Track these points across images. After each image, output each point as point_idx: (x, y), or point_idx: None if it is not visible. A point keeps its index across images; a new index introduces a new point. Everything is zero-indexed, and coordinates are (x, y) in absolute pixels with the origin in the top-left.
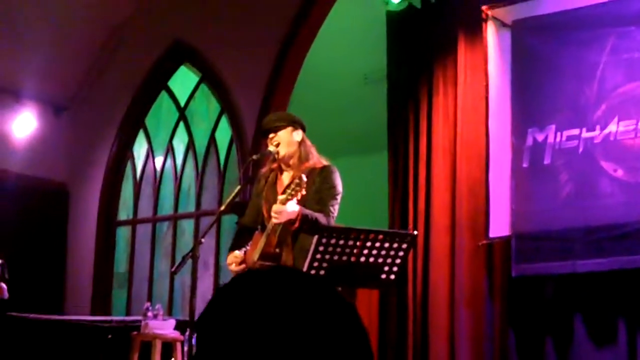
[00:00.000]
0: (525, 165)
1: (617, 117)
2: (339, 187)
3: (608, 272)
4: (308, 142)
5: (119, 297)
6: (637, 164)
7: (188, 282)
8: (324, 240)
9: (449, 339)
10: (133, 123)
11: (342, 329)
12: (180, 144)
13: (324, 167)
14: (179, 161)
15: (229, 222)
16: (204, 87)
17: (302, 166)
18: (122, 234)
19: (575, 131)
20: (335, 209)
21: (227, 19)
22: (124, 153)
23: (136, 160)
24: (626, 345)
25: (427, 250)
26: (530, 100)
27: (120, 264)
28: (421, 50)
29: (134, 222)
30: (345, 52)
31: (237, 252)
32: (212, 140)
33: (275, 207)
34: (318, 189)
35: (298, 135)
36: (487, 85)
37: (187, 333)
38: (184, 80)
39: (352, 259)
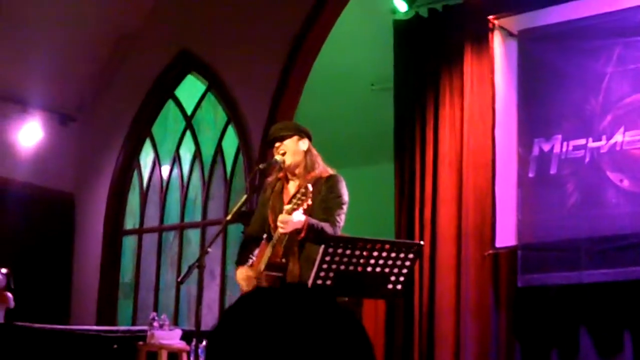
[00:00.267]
0: (531, 175)
1: (623, 127)
2: (345, 196)
3: (614, 283)
4: (314, 152)
5: (125, 306)
6: None
7: (194, 291)
8: (330, 250)
9: (455, 349)
10: (140, 132)
11: (348, 347)
12: (186, 153)
13: (330, 177)
14: (186, 170)
15: (236, 231)
16: (210, 96)
17: (308, 175)
18: (128, 243)
19: (582, 141)
20: (341, 219)
21: (233, 28)
22: (130, 162)
23: (143, 170)
24: (632, 356)
25: (433, 260)
26: (537, 110)
27: (126, 274)
28: (428, 59)
29: (140, 232)
30: (352, 61)
31: (247, 271)
32: (218, 149)
33: (281, 217)
34: (324, 199)
35: (304, 144)
36: (493, 95)
37: (194, 343)
38: (190, 90)
39: (359, 268)
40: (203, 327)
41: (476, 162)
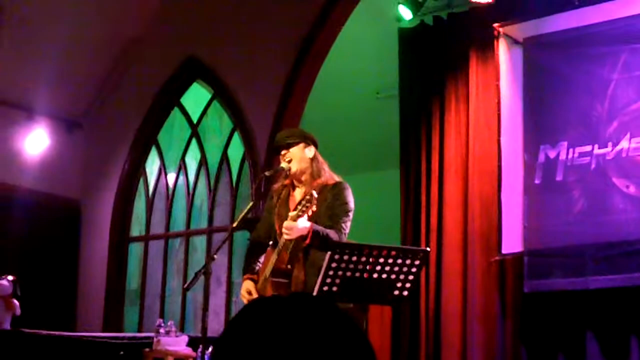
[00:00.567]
0: (537, 181)
1: (629, 134)
2: (351, 203)
3: (620, 289)
4: (320, 159)
5: (131, 313)
6: None
7: (200, 298)
8: (336, 257)
9: (462, 354)
10: (145, 140)
11: (350, 355)
12: (192, 161)
13: (336, 184)
14: (192, 177)
15: (241, 238)
16: (216, 104)
17: (314, 182)
18: (135, 250)
19: (587, 148)
20: (347, 226)
21: (239, 36)
22: (136, 169)
23: (148, 177)
24: None
25: (439, 266)
26: (542, 116)
27: (133, 281)
28: (433, 66)
29: (146, 239)
30: (357, 69)
31: (250, 286)
32: (224, 156)
33: (286, 224)
34: (330, 206)
35: (310, 151)
36: (498, 102)
37: (200, 349)
38: (196, 97)
39: (365, 275)
40: (209, 334)
41: (482, 168)
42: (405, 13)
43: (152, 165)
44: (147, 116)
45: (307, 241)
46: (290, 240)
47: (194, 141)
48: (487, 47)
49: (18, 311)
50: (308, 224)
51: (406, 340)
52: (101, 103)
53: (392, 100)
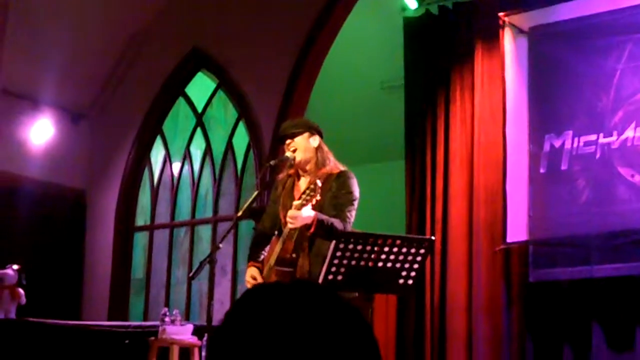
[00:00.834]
0: (542, 171)
1: (634, 123)
2: (356, 192)
3: (626, 278)
4: (325, 148)
5: (137, 302)
6: None
7: (205, 287)
8: (341, 246)
9: (467, 344)
10: (151, 129)
11: (352, 343)
12: (197, 150)
13: (341, 173)
14: (196, 167)
15: (246, 227)
16: (221, 94)
17: (319, 172)
18: (140, 239)
19: (593, 137)
20: (352, 215)
21: (244, 25)
22: (141, 159)
23: (153, 167)
24: None
25: (444, 256)
26: (548, 106)
27: (138, 270)
28: (438, 57)
29: (151, 228)
30: (362, 59)
31: (255, 272)
32: (229, 146)
33: (290, 213)
34: (335, 195)
35: (315, 141)
36: (504, 92)
37: (205, 338)
38: (201, 87)
39: (370, 264)
40: (214, 323)
41: (487, 158)
42: (410, 2)
43: (157, 155)
44: (152, 106)
45: (312, 230)
46: (294, 229)
47: (198, 131)
48: (492, 37)
49: (23, 300)
50: (312, 213)
51: (411, 331)
52: (106, 93)
53: (397, 91)
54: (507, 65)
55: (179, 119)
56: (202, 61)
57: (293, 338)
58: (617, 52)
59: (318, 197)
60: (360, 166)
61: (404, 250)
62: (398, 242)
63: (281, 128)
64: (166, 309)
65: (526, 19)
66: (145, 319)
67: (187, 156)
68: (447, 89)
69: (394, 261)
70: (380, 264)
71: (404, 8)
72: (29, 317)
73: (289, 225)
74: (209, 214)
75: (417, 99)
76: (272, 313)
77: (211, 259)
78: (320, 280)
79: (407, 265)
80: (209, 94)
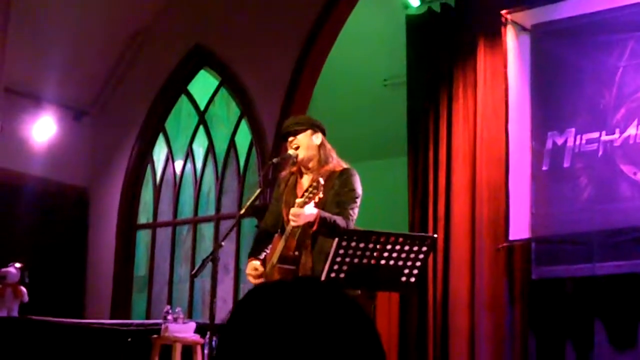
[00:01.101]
0: (545, 168)
1: (636, 121)
2: (359, 190)
3: (628, 276)
4: (328, 145)
5: (139, 300)
6: None
7: (208, 285)
8: (344, 244)
9: (470, 341)
10: (153, 127)
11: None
12: (200, 148)
13: (344, 170)
14: (199, 165)
15: (249, 225)
16: (223, 91)
17: (321, 169)
18: (142, 237)
19: (595, 134)
20: (354, 212)
21: (246, 23)
22: (144, 157)
23: (156, 164)
24: None
25: (447, 253)
26: (550, 103)
27: (140, 268)
28: (441, 54)
29: (154, 226)
30: (364, 56)
31: (255, 263)
32: (231, 144)
33: (293, 210)
34: (337, 192)
35: (318, 138)
36: (506, 89)
37: (208, 336)
38: (203, 85)
39: (372, 261)
40: (217, 321)
41: (489, 155)
42: (413, 0)
43: (160, 152)
44: (154, 104)
45: (314, 228)
46: (297, 227)
47: (201, 128)
48: (495, 34)
49: (26, 298)
50: (315, 211)
51: (414, 328)
52: (109, 91)
53: (400, 88)
54: (509, 62)
55: (181, 116)
56: (205, 59)
57: (298, 334)
58: (619, 50)
59: (321, 195)
60: (363, 163)
61: (407, 247)
62: (400, 239)
63: (284, 125)
64: (169, 306)
65: (528, 17)
66: (147, 317)
67: (189, 154)
68: (450, 86)
69: (397, 259)
70: (382, 262)
71: (407, 6)
72: (32, 315)
73: (292, 223)
74: (211, 211)
75: (419, 96)
76: (276, 310)
77: (214, 257)
78: (322, 278)
79: (409, 263)
80: (211, 91)
